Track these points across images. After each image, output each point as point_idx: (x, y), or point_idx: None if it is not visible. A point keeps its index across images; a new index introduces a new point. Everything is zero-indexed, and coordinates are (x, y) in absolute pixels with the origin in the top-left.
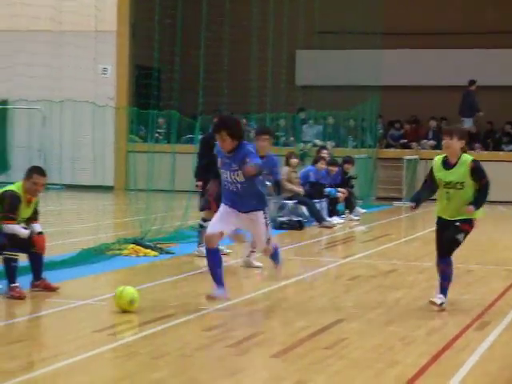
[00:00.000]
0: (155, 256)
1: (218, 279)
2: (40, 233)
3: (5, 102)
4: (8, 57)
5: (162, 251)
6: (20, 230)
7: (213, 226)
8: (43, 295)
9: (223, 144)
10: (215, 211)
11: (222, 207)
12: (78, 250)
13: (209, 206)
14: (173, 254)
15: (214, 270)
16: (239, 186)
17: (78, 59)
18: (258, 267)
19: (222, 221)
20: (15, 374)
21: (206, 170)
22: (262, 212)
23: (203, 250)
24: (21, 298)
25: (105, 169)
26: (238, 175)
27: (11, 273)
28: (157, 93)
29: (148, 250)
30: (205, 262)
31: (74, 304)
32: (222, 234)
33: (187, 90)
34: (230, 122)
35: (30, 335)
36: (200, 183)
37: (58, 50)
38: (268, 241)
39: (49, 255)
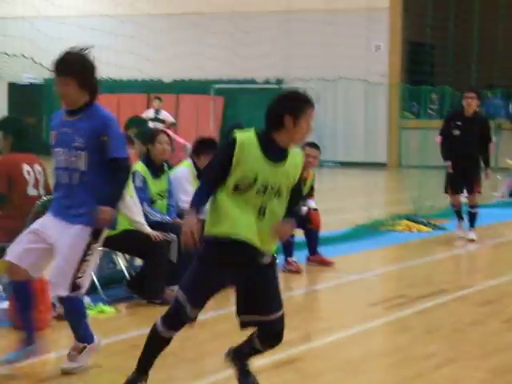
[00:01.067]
0: (428, 232)
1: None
2: (315, 209)
3: (281, 82)
4: (284, 37)
5: (435, 227)
6: None
7: (13, 251)
8: (319, 269)
9: (65, 91)
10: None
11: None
12: (352, 226)
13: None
14: (446, 230)
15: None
16: (77, 176)
17: (351, 37)
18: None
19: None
20: (294, 345)
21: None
22: (88, 229)
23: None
24: (297, 271)
25: (377, 146)
26: (80, 158)
27: (288, 247)
28: (430, 68)
29: (421, 226)
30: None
31: (349, 278)
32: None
33: (460, 64)
34: (80, 59)
35: (307, 307)
36: (449, 163)
37: (331, 29)
38: (74, 280)
39: (324, 231)
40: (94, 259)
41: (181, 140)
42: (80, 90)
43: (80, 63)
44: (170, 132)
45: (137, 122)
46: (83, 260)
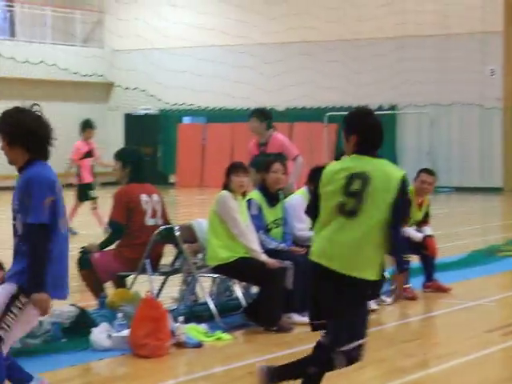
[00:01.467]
0: None
1: None
2: (430, 235)
3: (394, 107)
4: (397, 63)
5: None
6: (414, 233)
7: None
8: (435, 296)
9: (1, 148)
10: None
11: None
12: (468, 252)
13: None
14: None
15: None
16: (16, 240)
17: (464, 62)
18: None
19: None
20: (411, 371)
21: None
22: (14, 286)
23: None
24: (413, 298)
25: (493, 170)
26: (18, 221)
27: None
28: None
29: None
30: None
31: (465, 304)
32: None
33: None
34: (11, 116)
35: (423, 334)
36: None
37: (443, 54)
38: None
39: (440, 257)
40: (25, 318)
41: (294, 150)
42: (12, 148)
43: (10, 121)
44: (282, 139)
45: (263, 113)
46: (6, 313)
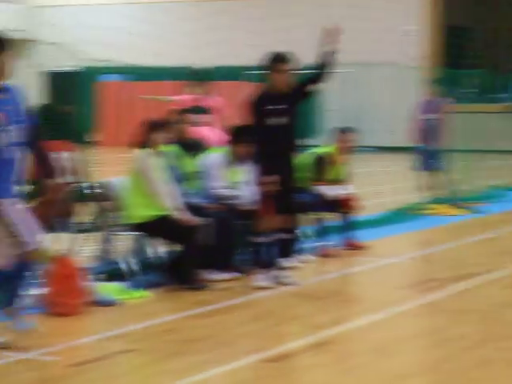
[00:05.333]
0: (462, 215)
1: None
2: (350, 193)
3: None
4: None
5: (470, 210)
6: (327, 190)
7: None
8: (352, 253)
9: None
10: None
11: None
12: (386, 210)
13: None
14: (481, 213)
15: None
16: None
17: (384, 21)
18: None
19: None
20: (327, 327)
21: None
22: None
23: None
24: (331, 255)
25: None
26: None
27: (322, 232)
28: (469, 52)
29: (455, 210)
30: None
31: (383, 262)
32: None
33: (500, 48)
34: None
35: (340, 291)
36: None
37: (363, 13)
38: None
39: (358, 215)
40: None
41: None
42: None
43: None
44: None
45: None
46: None
